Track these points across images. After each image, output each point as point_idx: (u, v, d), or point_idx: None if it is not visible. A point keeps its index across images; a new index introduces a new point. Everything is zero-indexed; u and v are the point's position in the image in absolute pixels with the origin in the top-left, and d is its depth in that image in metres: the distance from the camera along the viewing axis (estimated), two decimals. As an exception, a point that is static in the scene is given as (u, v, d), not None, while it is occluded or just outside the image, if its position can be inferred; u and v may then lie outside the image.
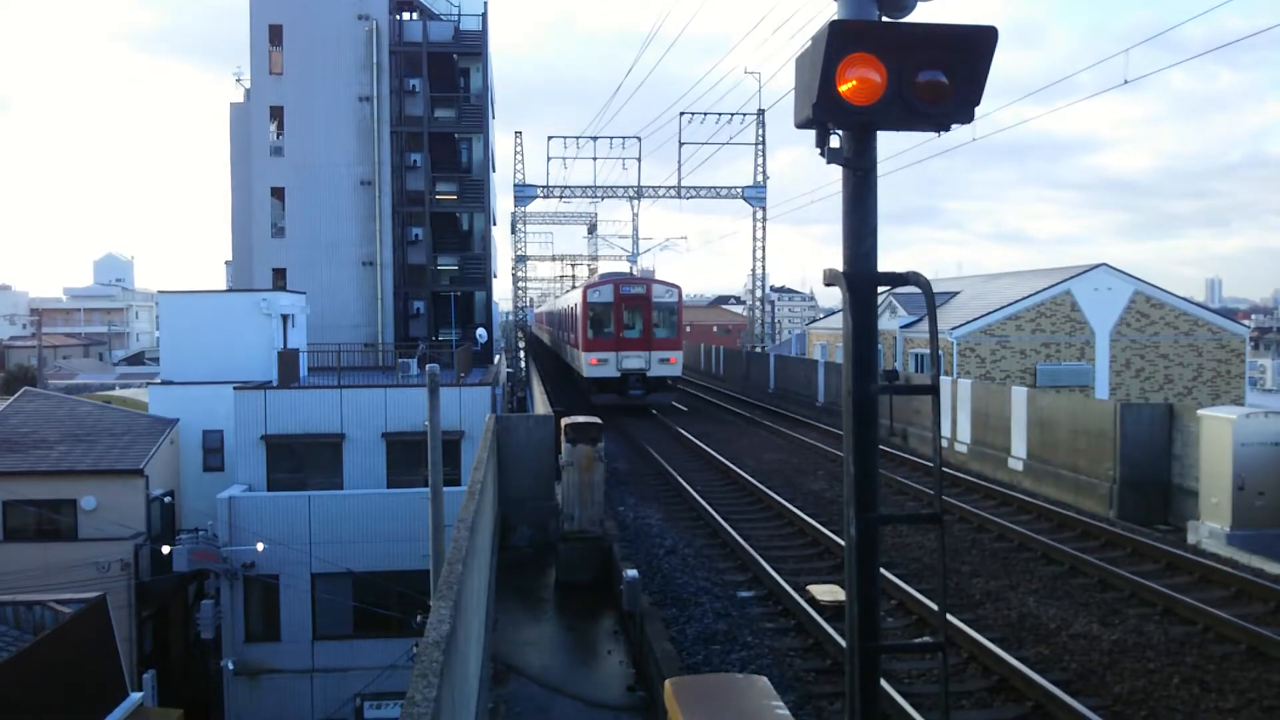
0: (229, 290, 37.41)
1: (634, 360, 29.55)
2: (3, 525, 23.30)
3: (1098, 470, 16.61)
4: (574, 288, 43.82)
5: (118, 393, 41.68)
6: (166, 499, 25.34)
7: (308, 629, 22.89)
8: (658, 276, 43.37)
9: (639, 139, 44.49)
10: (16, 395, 29.10)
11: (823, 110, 3.70)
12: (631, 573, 10.73)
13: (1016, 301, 34.29)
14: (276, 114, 37.23)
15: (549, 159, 44.40)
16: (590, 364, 29.71)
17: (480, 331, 38.54)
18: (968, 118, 3.81)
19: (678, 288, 31.00)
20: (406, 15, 40.21)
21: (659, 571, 12.60)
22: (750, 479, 18.58)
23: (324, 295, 35.75)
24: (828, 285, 4.00)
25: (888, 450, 21.06)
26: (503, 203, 56.11)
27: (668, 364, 29.84)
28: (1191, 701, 8.29)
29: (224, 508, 22.68)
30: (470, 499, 8.68)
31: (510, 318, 61.28)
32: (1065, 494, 17.23)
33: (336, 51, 36.69)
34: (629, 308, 30.13)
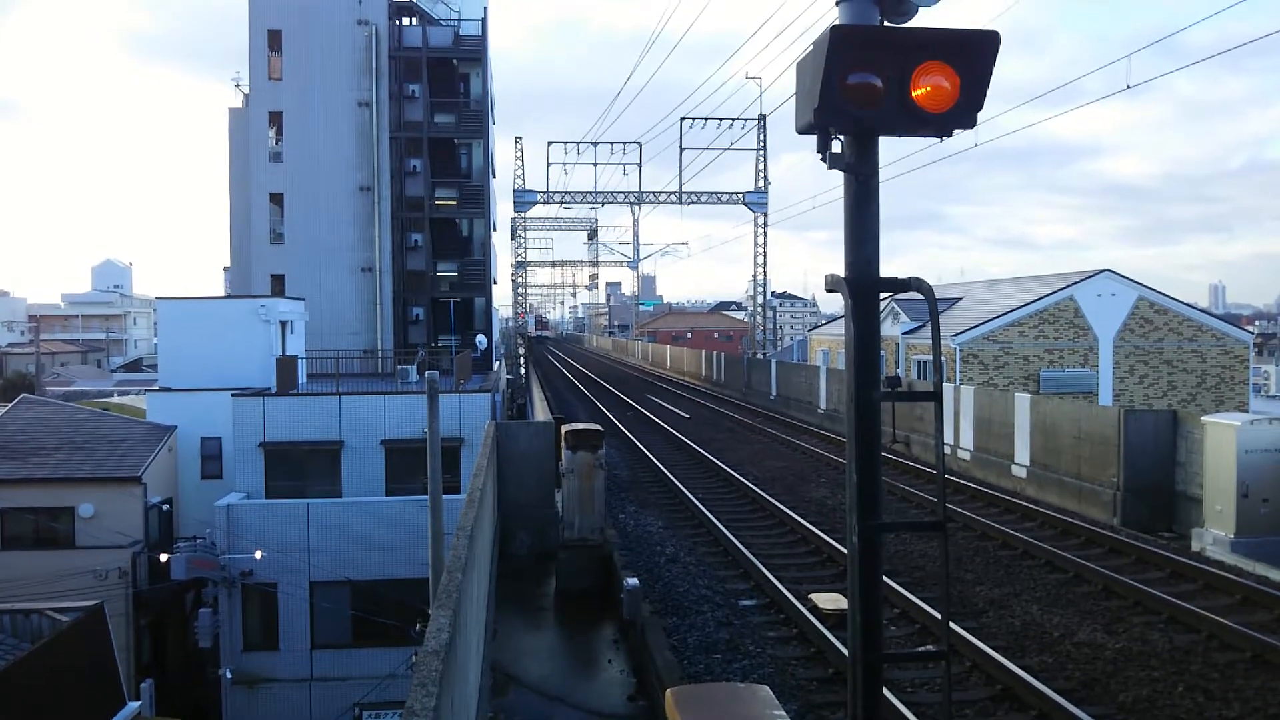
0: (227, 296, 37.35)
1: (542, 332, 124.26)
2: (0, 533, 23.24)
3: (1101, 477, 16.55)
4: (536, 317, 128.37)
5: (116, 399, 41.63)
6: (164, 507, 25.28)
7: (306, 638, 22.80)
8: (548, 314, 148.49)
9: (640, 144, 44.82)
10: (14, 402, 29.06)
11: (824, 115, 3.66)
12: (632, 581, 10.65)
13: (1019, 307, 34.15)
14: (275, 119, 37.18)
15: (549, 164, 44.58)
16: (533, 332, 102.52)
17: (480, 338, 38.50)
18: (970, 123, 3.76)
19: (549, 316, 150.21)
20: (406, 20, 40.29)
21: (660, 580, 12.55)
22: (752, 486, 18.52)
23: (323, 301, 35.69)
24: (829, 291, 3.96)
25: (890, 457, 21.01)
26: (503, 208, 56.00)
27: (545, 331, 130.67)
28: (1196, 710, 8.23)
29: (222, 515, 22.60)
30: (470, 507, 8.63)
31: (510, 324, 61.29)
32: (1069, 501, 17.16)
33: (336, 57, 36.66)
34: (539, 319, 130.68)
